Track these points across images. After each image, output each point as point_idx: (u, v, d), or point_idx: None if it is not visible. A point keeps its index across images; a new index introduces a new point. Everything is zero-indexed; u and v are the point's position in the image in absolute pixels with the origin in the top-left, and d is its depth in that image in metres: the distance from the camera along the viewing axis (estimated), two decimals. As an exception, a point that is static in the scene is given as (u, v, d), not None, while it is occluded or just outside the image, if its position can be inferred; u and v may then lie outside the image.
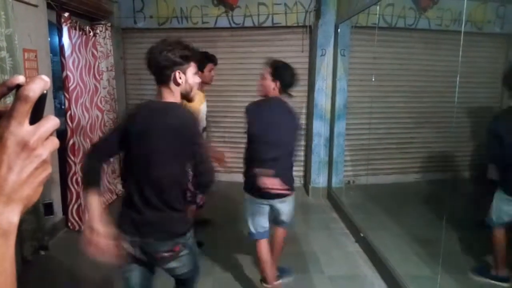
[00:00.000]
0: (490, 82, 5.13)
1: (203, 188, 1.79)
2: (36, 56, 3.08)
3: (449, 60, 4.10)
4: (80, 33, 3.75)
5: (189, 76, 1.61)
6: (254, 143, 2.30)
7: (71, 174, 3.55)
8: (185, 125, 1.62)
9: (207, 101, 3.19)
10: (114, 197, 4.32)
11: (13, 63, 2.62)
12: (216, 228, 3.70)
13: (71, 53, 3.56)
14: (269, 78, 2.35)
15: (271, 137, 2.26)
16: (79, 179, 3.63)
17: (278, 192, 2.21)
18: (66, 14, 3.49)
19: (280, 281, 2.65)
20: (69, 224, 3.60)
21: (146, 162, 1.58)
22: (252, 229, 2.49)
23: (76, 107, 3.61)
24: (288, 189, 2.28)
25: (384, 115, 4.81)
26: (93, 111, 4.00)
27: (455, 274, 2.73)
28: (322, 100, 4.56)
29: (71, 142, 3.52)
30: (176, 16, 4.83)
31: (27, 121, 0.39)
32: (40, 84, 0.40)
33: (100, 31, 4.25)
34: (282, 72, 2.36)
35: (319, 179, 4.71)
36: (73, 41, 3.59)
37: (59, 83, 3.71)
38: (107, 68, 4.39)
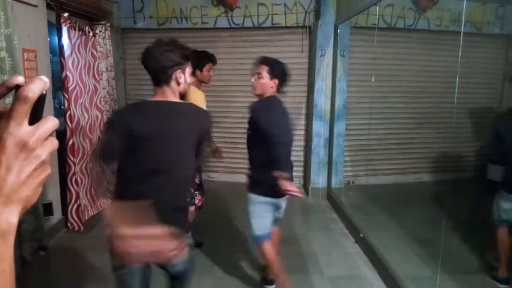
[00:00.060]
0: (489, 83, 5.14)
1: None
2: (35, 56, 3.07)
3: (448, 61, 4.11)
4: (80, 33, 3.75)
5: (187, 75, 1.63)
6: (274, 144, 2.18)
7: (70, 174, 3.54)
8: (206, 123, 1.68)
9: (207, 101, 3.19)
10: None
11: (13, 63, 2.62)
12: (216, 228, 3.70)
13: (71, 53, 3.55)
14: (267, 76, 2.29)
15: (287, 137, 2.27)
16: (79, 179, 3.63)
17: (296, 195, 2.21)
18: (66, 14, 3.48)
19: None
20: (69, 224, 3.60)
21: (168, 164, 1.58)
22: (260, 232, 2.42)
23: (75, 107, 3.61)
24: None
25: (383, 116, 4.81)
26: (93, 111, 4.00)
27: (454, 275, 2.73)
28: (322, 101, 4.57)
29: (70, 142, 3.51)
30: (176, 16, 4.83)
31: (26, 122, 0.39)
32: (40, 85, 0.39)
33: (100, 31, 4.25)
34: (280, 70, 2.33)
35: (318, 180, 4.71)
36: (73, 41, 3.59)
37: (59, 83, 3.71)
38: (106, 68, 4.39)
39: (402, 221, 3.72)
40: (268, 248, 2.44)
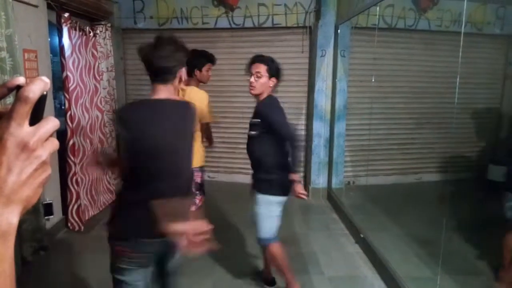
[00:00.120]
0: (490, 83, 5.14)
1: None
2: (36, 57, 3.08)
3: (449, 61, 4.11)
4: (80, 33, 3.75)
5: (184, 73, 1.65)
6: (297, 146, 2.27)
7: (71, 174, 3.55)
8: (194, 120, 1.71)
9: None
10: (114, 197, 4.32)
11: (13, 64, 2.62)
12: (216, 228, 3.69)
13: (71, 53, 3.56)
14: (266, 75, 2.28)
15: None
16: (79, 179, 3.63)
17: (304, 198, 2.32)
18: (66, 15, 3.49)
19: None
20: (69, 224, 3.60)
21: (180, 162, 1.61)
22: (270, 234, 2.40)
23: (76, 108, 3.61)
24: None
25: (384, 116, 4.81)
26: (93, 112, 4.00)
27: (455, 275, 2.73)
28: (322, 101, 4.57)
29: (71, 142, 3.52)
30: (176, 16, 4.83)
31: (27, 122, 0.39)
32: (40, 85, 0.39)
33: (100, 31, 4.26)
34: (276, 68, 2.32)
35: (319, 180, 4.71)
36: (73, 41, 3.60)
37: (59, 84, 3.71)
38: (107, 68, 4.39)
39: (402, 221, 3.71)
40: (279, 249, 2.43)
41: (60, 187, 3.53)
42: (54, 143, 0.42)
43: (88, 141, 3.83)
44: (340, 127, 4.51)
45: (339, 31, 4.33)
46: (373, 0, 3.39)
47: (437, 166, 5.04)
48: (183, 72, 1.62)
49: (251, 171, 2.50)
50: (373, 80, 4.33)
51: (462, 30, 3.90)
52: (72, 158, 3.54)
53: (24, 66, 2.90)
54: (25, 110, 0.39)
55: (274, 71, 2.30)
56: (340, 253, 3.28)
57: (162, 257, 1.70)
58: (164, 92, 1.61)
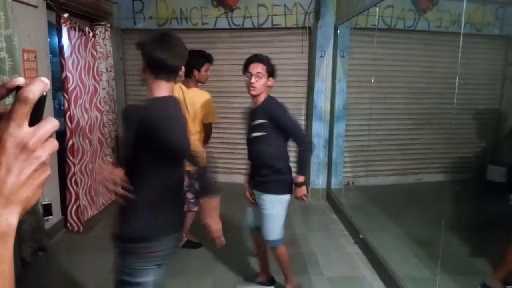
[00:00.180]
0: (489, 84, 5.15)
1: None
2: (35, 57, 3.07)
3: (448, 62, 4.11)
4: (80, 33, 3.75)
5: (182, 71, 1.68)
6: (309, 147, 2.36)
7: (70, 174, 3.54)
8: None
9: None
10: (114, 197, 4.31)
11: (13, 64, 2.62)
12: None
13: (71, 53, 3.56)
14: (265, 76, 2.26)
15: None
16: (78, 179, 3.63)
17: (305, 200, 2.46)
18: (66, 15, 3.49)
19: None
20: (68, 225, 3.59)
21: (185, 160, 1.70)
22: (280, 235, 2.40)
23: (75, 108, 3.61)
24: None
25: (383, 116, 4.81)
26: (93, 112, 4.00)
27: (454, 276, 2.73)
28: (322, 101, 4.57)
29: (70, 142, 3.51)
30: (176, 17, 4.83)
31: (26, 123, 0.39)
32: (40, 86, 0.39)
33: (100, 32, 4.25)
34: (273, 68, 2.31)
35: (318, 180, 4.71)
36: (73, 41, 3.59)
37: (59, 84, 3.71)
38: (106, 69, 4.39)
39: (401, 222, 3.71)
40: (286, 251, 2.46)
41: (59, 188, 3.52)
42: (54, 144, 0.42)
43: (87, 141, 3.83)
44: (339, 128, 4.51)
45: (338, 31, 4.33)
46: (372, 0, 3.39)
47: (436, 166, 5.04)
48: (182, 70, 1.64)
49: (250, 173, 2.50)
50: (372, 80, 4.33)
51: (462, 31, 3.89)
52: (71, 158, 3.53)
53: (24, 66, 2.90)
54: (24, 111, 0.39)
55: (271, 71, 2.30)
56: (340, 254, 3.28)
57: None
58: (169, 89, 1.61)
